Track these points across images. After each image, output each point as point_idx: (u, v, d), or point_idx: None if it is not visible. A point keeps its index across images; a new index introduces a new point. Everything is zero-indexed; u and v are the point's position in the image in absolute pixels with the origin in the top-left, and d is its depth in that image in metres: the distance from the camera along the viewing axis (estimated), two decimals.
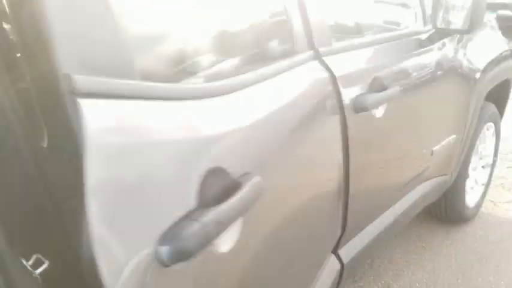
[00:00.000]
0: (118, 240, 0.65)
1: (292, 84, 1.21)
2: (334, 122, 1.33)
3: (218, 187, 0.81)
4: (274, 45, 1.28)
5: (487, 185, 2.87)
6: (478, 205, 2.80)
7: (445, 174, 2.25)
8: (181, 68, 0.99)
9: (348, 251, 1.60)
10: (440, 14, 1.90)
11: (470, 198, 2.68)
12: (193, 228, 0.71)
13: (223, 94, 0.93)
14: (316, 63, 1.31)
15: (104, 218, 0.63)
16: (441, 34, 1.93)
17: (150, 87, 0.75)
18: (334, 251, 1.56)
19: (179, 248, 0.69)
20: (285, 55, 1.24)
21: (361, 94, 1.42)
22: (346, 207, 1.48)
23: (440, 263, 2.40)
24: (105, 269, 0.61)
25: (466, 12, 1.85)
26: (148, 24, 0.93)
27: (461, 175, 2.46)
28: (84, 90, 0.62)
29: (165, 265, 0.70)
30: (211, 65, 1.07)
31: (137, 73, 0.73)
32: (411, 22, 1.93)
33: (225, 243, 0.84)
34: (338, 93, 1.34)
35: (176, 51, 1.00)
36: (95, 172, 0.61)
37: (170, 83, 0.88)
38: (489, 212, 2.88)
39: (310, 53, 1.31)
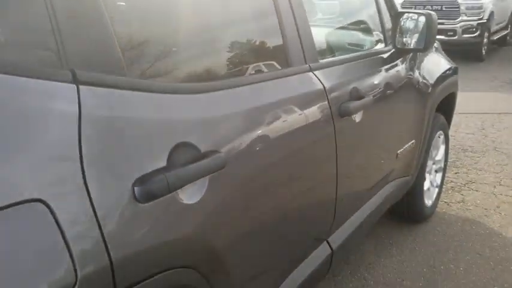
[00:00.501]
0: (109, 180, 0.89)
1: (289, 87, 1.47)
2: (327, 125, 1.60)
3: (186, 156, 1.04)
4: (276, 57, 1.53)
5: (441, 187, 3.24)
6: (434, 205, 3.15)
7: (407, 176, 2.57)
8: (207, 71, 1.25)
9: (336, 239, 1.85)
10: (398, 36, 2.25)
11: (427, 199, 3.03)
12: (158, 178, 0.96)
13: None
14: (309, 74, 1.58)
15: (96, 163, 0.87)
16: (400, 53, 2.27)
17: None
18: (326, 238, 1.81)
19: (147, 190, 0.94)
20: (284, 66, 1.50)
21: (345, 101, 1.70)
22: (336, 198, 1.74)
23: (407, 255, 2.70)
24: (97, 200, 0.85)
25: (420, 33, 2.21)
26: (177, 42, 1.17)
27: (420, 177, 2.80)
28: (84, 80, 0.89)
29: (139, 202, 0.93)
30: (227, 69, 1.33)
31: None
32: (375, 43, 2.26)
33: (189, 196, 1.06)
34: (328, 100, 1.61)
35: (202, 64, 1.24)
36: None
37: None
38: (443, 211, 3.24)
39: (305, 66, 1.58)
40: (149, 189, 0.95)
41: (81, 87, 0.89)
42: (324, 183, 1.66)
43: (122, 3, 1.08)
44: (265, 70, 1.46)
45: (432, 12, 2.16)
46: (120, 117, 0.95)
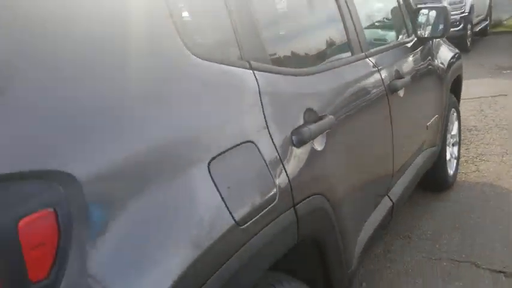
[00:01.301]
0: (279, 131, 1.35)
1: (354, 71, 1.94)
2: (383, 98, 2.07)
3: (311, 117, 1.50)
4: (346, 48, 2.00)
5: (458, 159, 3.72)
6: (455, 175, 3.63)
7: (435, 146, 3.05)
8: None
9: (394, 193, 2.30)
10: (416, 23, 2.74)
11: (449, 169, 3.50)
12: (304, 129, 1.41)
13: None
14: (367, 60, 2.05)
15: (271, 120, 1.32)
16: (421, 41, 2.76)
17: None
18: (387, 194, 2.26)
19: (299, 138, 1.39)
20: (347, 54, 1.98)
21: (392, 80, 2.17)
22: (393, 159, 2.20)
23: (441, 216, 3.17)
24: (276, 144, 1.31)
25: (434, 24, 2.70)
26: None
27: (443, 149, 3.27)
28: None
29: (295, 146, 1.38)
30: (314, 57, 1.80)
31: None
32: (401, 35, 2.75)
33: (317, 144, 1.52)
34: (382, 79, 2.08)
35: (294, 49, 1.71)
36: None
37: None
38: (463, 180, 3.72)
39: (362, 54, 2.05)
40: (301, 138, 1.40)
41: (255, 72, 1.33)
42: (386, 146, 2.13)
43: (267, 18, 1.54)
44: (341, 57, 1.92)
45: (446, 5, 2.67)
46: (278, 90, 1.40)
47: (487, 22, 11.89)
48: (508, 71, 7.73)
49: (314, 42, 1.85)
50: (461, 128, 4.79)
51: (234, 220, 1.12)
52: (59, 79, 0.90)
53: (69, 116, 0.90)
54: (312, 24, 1.90)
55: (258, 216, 1.19)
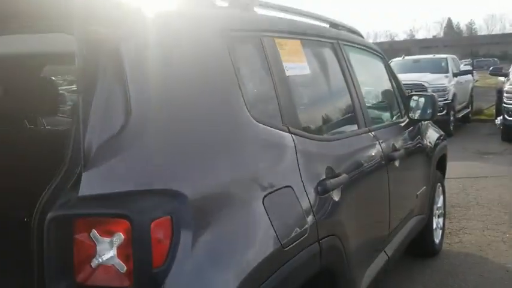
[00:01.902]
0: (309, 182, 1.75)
1: (360, 141, 2.40)
2: (383, 166, 2.52)
3: (330, 174, 1.92)
4: (354, 123, 2.47)
5: (443, 230, 4.13)
6: (440, 243, 4.02)
7: (423, 214, 3.46)
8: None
9: (389, 249, 2.68)
10: (409, 107, 3.25)
11: (436, 237, 3.89)
12: (327, 182, 1.83)
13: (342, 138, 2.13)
14: (370, 134, 2.52)
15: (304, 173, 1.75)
16: (412, 122, 3.27)
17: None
18: (383, 249, 2.64)
19: (323, 188, 1.81)
20: (355, 127, 2.45)
21: (390, 152, 2.63)
22: (389, 219, 2.61)
23: (428, 279, 3.51)
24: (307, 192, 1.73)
25: (423, 108, 3.22)
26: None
27: (430, 218, 3.69)
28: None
29: (320, 194, 1.79)
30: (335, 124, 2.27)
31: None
32: (397, 115, 3.26)
33: (335, 195, 1.93)
34: (382, 150, 2.54)
35: (317, 121, 2.17)
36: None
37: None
38: (448, 249, 4.11)
39: (366, 129, 2.52)
40: (324, 188, 1.81)
41: (292, 135, 1.77)
42: (384, 206, 2.55)
43: (298, 97, 2.01)
44: (350, 129, 2.39)
45: (434, 94, 3.21)
46: (308, 150, 1.84)
47: (468, 110, 12.80)
48: (488, 156, 8.36)
49: (331, 116, 2.34)
50: (446, 204, 5.24)
51: (280, 243, 1.50)
52: (179, 133, 1.34)
53: (180, 158, 1.32)
54: (329, 102, 2.40)
55: (295, 243, 1.58)
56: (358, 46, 2.88)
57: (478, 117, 13.46)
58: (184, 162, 1.33)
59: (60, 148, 1.35)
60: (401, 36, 76.56)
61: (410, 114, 3.24)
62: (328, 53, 2.40)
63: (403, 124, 3.20)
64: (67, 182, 1.23)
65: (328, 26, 2.69)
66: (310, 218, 1.70)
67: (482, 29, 76.22)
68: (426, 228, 3.65)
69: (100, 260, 1.20)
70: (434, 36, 74.35)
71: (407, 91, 3.61)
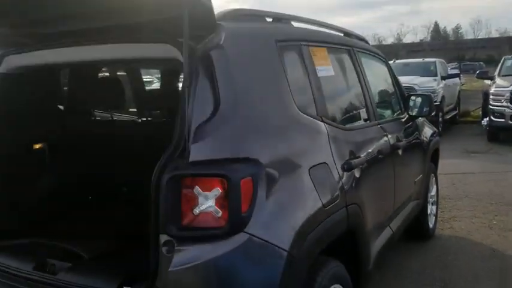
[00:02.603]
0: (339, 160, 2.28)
1: (373, 132, 2.91)
2: (390, 153, 3.03)
3: (351, 156, 2.43)
4: (366, 117, 2.97)
5: (436, 216, 4.66)
6: (434, 228, 4.56)
7: (419, 199, 3.98)
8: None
9: (393, 225, 3.19)
10: (408, 105, 3.77)
11: (430, 222, 4.42)
12: (351, 162, 2.36)
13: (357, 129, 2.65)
14: (379, 126, 3.03)
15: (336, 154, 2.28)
16: (411, 118, 3.79)
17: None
18: (389, 225, 3.15)
19: (348, 166, 2.32)
20: (368, 121, 2.95)
21: (395, 142, 3.15)
22: (394, 196, 3.12)
23: (423, 258, 4.03)
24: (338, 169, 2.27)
25: (421, 106, 3.74)
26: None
27: (425, 204, 4.21)
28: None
29: (346, 171, 2.31)
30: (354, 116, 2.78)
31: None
32: (398, 112, 3.78)
33: (357, 172, 2.43)
34: (389, 141, 3.05)
35: (340, 114, 2.67)
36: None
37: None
38: (440, 234, 4.65)
39: (375, 122, 3.03)
40: (349, 166, 2.31)
41: (325, 124, 2.27)
42: (390, 186, 3.05)
43: (328, 94, 2.51)
44: (365, 122, 2.90)
45: (430, 94, 3.74)
46: (337, 136, 2.34)
47: (456, 111, 13.46)
48: (475, 155, 8.97)
49: (349, 110, 2.86)
50: (438, 194, 5.78)
51: (322, 204, 2.00)
52: (252, 119, 1.84)
53: (255, 136, 1.82)
54: (348, 99, 2.91)
55: (331, 206, 2.08)
56: (367, 52, 3.40)
57: (465, 118, 14.13)
58: (258, 140, 1.82)
59: (154, 133, 1.84)
60: (389, 40, 77.75)
61: (409, 112, 3.77)
62: (345, 58, 2.92)
63: (403, 120, 3.72)
64: (175, 153, 1.71)
65: (342, 35, 3.20)
66: (340, 188, 2.20)
67: (468, 33, 77.81)
68: (422, 213, 4.17)
69: (201, 209, 1.68)
70: (421, 40, 75.70)
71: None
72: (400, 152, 3.23)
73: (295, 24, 2.52)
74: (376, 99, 3.30)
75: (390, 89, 3.79)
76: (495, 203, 5.61)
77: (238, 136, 1.77)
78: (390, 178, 3.07)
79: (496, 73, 11.56)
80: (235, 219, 1.67)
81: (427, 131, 4.30)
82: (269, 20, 2.34)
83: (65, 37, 2.15)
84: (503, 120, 9.83)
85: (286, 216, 1.82)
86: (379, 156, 2.84)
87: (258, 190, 1.72)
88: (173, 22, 1.72)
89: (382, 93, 3.69)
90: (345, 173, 2.29)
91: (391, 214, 3.16)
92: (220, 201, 1.67)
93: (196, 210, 1.68)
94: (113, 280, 1.88)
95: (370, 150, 2.71)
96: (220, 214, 1.67)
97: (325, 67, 2.52)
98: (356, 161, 2.40)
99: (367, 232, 2.54)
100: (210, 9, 1.74)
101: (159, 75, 3.85)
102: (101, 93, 3.01)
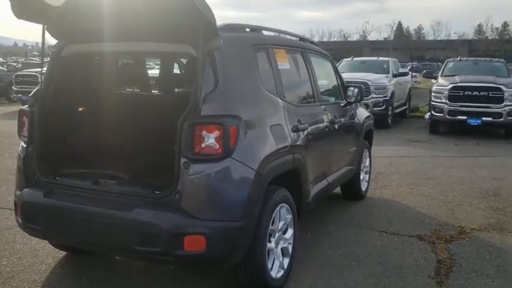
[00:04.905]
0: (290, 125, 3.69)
1: (316, 110, 4.21)
2: (328, 127, 4.33)
3: (298, 124, 3.76)
4: (311, 98, 4.26)
5: (369, 182, 6.04)
6: (366, 191, 5.96)
7: (353, 166, 5.32)
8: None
9: (329, 179, 4.51)
10: (347, 94, 5.09)
11: (362, 186, 5.79)
12: (298, 126, 3.91)
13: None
14: (321, 107, 4.33)
15: (288, 122, 3.67)
16: (349, 103, 5.11)
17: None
18: (326, 178, 4.45)
19: (296, 129, 3.72)
20: (314, 102, 4.25)
21: (333, 119, 4.45)
22: (330, 159, 4.44)
23: (358, 211, 5.38)
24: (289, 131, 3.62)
25: (357, 94, 5.07)
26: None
27: (358, 171, 5.56)
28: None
29: (294, 132, 3.77)
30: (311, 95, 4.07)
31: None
32: (338, 97, 5.09)
33: (302, 134, 3.85)
34: (328, 118, 4.35)
35: (294, 95, 3.95)
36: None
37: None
38: (371, 197, 6.04)
39: (319, 103, 4.33)
40: (296, 129, 3.62)
41: (282, 100, 3.54)
42: (327, 150, 4.36)
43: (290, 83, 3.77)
44: (311, 102, 4.18)
45: (362, 85, 5.08)
46: (289, 109, 3.62)
47: (406, 107, 15.08)
48: (415, 143, 10.52)
49: (300, 94, 4.15)
50: (374, 172, 7.16)
51: (277, 148, 3.27)
52: (238, 92, 3.09)
53: (239, 103, 3.07)
54: (299, 86, 4.19)
55: (283, 150, 3.36)
56: (316, 52, 4.69)
57: (414, 113, 15.81)
58: (240, 105, 3.07)
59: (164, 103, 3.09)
60: (354, 37, 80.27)
61: (347, 98, 5.08)
62: (299, 57, 4.20)
63: (342, 104, 5.05)
64: (192, 110, 2.91)
65: (298, 39, 4.47)
66: (289, 141, 3.47)
67: (429, 34, 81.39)
68: (355, 177, 5.53)
69: (206, 143, 2.90)
70: (385, 39, 78.61)
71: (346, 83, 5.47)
72: (336, 126, 4.53)
73: (265, 32, 3.78)
74: (321, 87, 4.59)
75: (333, 80, 5.11)
76: (419, 178, 7.09)
77: (229, 102, 3.02)
78: (327, 144, 4.37)
79: (440, 73, 13.20)
80: (226, 150, 2.90)
81: (362, 115, 5.65)
82: (248, 30, 3.59)
83: (110, 36, 3.32)
84: (442, 115, 11.44)
85: (255, 151, 3.08)
86: (319, 126, 4.13)
87: (240, 134, 2.96)
88: (190, 31, 2.94)
89: (326, 84, 4.99)
90: (293, 133, 3.56)
91: (327, 169, 4.46)
92: (218, 139, 2.90)
93: (203, 144, 2.90)
94: (147, 188, 3.08)
95: (312, 121, 3.99)
96: (217, 147, 2.90)
97: (284, 63, 3.78)
98: (301, 126, 3.68)
99: (307, 174, 3.82)
100: (214, 24, 2.95)
101: (160, 62, 5.07)
102: (128, 75, 4.24)
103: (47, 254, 4.05)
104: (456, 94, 11.25)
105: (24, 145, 3.48)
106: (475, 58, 15.11)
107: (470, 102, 11.09)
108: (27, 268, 3.79)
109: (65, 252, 4.06)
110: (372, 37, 79.83)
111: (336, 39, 77.49)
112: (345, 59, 15.29)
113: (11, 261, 3.91)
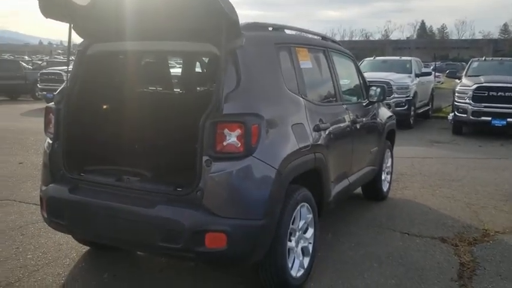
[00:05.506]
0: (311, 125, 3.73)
1: (338, 109, 4.19)
2: (350, 126, 4.31)
3: (321, 124, 3.73)
4: (334, 97, 4.24)
5: (390, 183, 5.98)
6: (387, 192, 5.89)
7: (375, 166, 5.28)
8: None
9: (351, 179, 4.48)
10: (369, 93, 5.05)
11: (384, 187, 5.73)
12: (320, 125, 3.72)
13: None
14: (343, 106, 4.31)
15: (309, 121, 3.77)
16: (371, 103, 5.07)
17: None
18: (347, 178, 4.43)
19: (317, 128, 3.65)
20: (336, 101, 4.23)
21: (355, 119, 4.43)
22: (352, 160, 4.41)
23: (380, 211, 5.34)
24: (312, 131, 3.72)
25: (380, 94, 5.02)
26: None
27: (380, 171, 5.51)
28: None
29: (315, 131, 3.63)
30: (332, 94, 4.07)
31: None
32: (360, 97, 5.05)
33: (323, 133, 3.84)
34: (350, 118, 4.33)
35: (316, 95, 3.94)
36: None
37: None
38: (392, 197, 5.98)
39: (341, 103, 4.31)
40: (318, 128, 3.60)
41: (303, 99, 3.53)
42: (349, 149, 4.33)
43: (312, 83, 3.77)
44: (333, 102, 4.16)
45: (384, 85, 5.03)
46: (310, 108, 3.60)
47: (428, 107, 14.87)
48: (438, 144, 10.37)
49: (322, 93, 4.13)
50: (396, 173, 7.09)
51: (299, 147, 3.26)
52: (260, 91, 3.10)
53: (262, 101, 3.08)
54: (321, 85, 4.19)
55: (304, 150, 3.35)
56: (338, 51, 4.67)
57: (437, 114, 15.58)
58: (262, 104, 3.08)
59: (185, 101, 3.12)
60: (376, 36, 79.59)
61: (369, 98, 5.05)
62: (321, 56, 4.19)
63: (364, 104, 5.01)
64: (214, 108, 2.93)
65: (320, 38, 4.45)
66: (310, 140, 3.46)
67: (453, 34, 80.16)
68: (377, 177, 5.47)
69: (228, 142, 2.91)
70: (407, 38, 77.70)
71: (369, 83, 5.43)
72: (358, 126, 4.50)
73: (287, 31, 3.78)
74: (343, 86, 4.57)
75: (355, 80, 5.08)
76: (441, 179, 6.99)
77: (251, 101, 3.02)
78: (349, 143, 4.35)
79: (464, 73, 12.99)
80: (248, 148, 2.91)
81: (385, 115, 5.60)
82: (270, 29, 3.59)
83: (134, 35, 3.35)
84: (465, 115, 11.26)
85: (277, 149, 3.08)
86: (341, 125, 4.11)
87: (261, 132, 2.97)
88: (213, 30, 2.96)
89: (348, 83, 4.97)
90: (314, 132, 3.55)
91: (349, 169, 4.44)
92: (239, 138, 2.91)
93: (225, 143, 2.92)
94: (169, 185, 3.11)
95: (333, 120, 3.97)
96: (239, 145, 2.91)
97: (306, 61, 3.77)
98: (323, 125, 3.67)
99: (329, 174, 3.80)
100: (237, 23, 2.96)
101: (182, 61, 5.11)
102: (151, 73, 4.29)
103: (70, 249, 4.13)
104: (481, 94, 11.05)
105: (50, 141, 3.55)
106: (500, 58, 14.88)
107: (495, 103, 10.88)
108: (51, 262, 3.87)
109: (88, 247, 4.13)
110: (394, 36, 79.08)
111: (357, 39, 77.07)
112: (367, 58, 15.16)
113: (36, 255, 3.99)
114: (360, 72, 5.19)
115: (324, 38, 4.55)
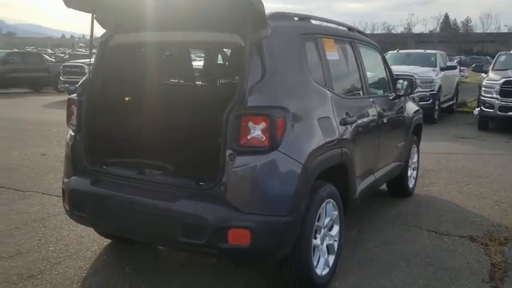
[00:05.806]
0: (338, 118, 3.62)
1: (365, 102, 4.06)
2: (377, 120, 4.17)
3: (347, 117, 3.60)
4: (360, 91, 4.11)
5: (416, 179, 5.82)
6: (413, 188, 5.73)
7: (401, 162, 5.13)
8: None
9: (377, 175, 4.34)
10: (396, 86, 4.90)
11: (410, 183, 5.58)
12: (346, 119, 3.60)
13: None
14: (370, 99, 4.17)
15: (336, 115, 3.69)
16: (398, 96, 4.92)
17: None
18: (373, 173, 4.29)
19: (344, 122, 3.53)
20: (362, 95, 4.10)
21: (382, 112, 4.28)
22: (378, 155, 4.27)
23: (406, 207, 5.19)
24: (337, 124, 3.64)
25: (407, 87, 4.87)
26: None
27: (406, 167, 5.36)
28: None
29: (342, 124, 3.50)
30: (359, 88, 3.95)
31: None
32: (387, 90, 4.90)
33: (350, 127, 3.71)
34: (377, 112, 4.19)
35: (342, 88, 3.81)
36: None
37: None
38: (418, 194, 5.82)
39: (367, 96, 4.17)
40: (344, 122, 3.48)
41: (330, 92, 3.42)
42: (375, 143, 4.20)
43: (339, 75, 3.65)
44: (360, 95, 4.03)
45: (412, 77, 4.85)
46: (337, 101, 3.49)
47: (453, 102, 14.54)
48: (463, 140, 10.11)
49: (348, 86, 4.01)
50: (421, 169, 6.92)
51: (325, 142, 3.15)
52: (286, 83, 3.00)
53: (287, 94, 2.98)
54: (348, 77, 4.06)
55: (331, 144, 3.23)
56: (365, 43, 4.52)
57: (462, 109, 15.24)
58: (288, 96, 2.97)
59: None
60: (398, 29, 78.44)
61: (396, 91, 4.89)
62: (348, 47, 4.06)
63: (391, 97, 4.85)
64: (238, 101, 2.83)
65: (347, 29, 4.31)
66: (337, 134, 3.34)
67: (477, 27, 78.50)
68: (403, 173, 5.32)
69: (252, 135, 2.81)
70: (430, 31, 76.34)
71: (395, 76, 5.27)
72: (385, 120, 4.36)
73: (313, 21, 3.65)
74: (370, 79, 4.43)
75: (382, 72, 4.93)
76: (468, 176, 6.79)
77: (276, 93, 2.92)
78: (375, 138, 4.21)
79: (491, 67, 12.63)
80: (273, 142, 2.81)
81: (411, 109, 5.44)
82: (296, 19, 3.47)
83: (156, 25, 3.28)
84: (492, 110, 10.95)
85: (302, 144, 2.98)
86: (367, 119, 3.99)
87: (287, 126, 2.86)
88: (237, 20, 2.86)
89: (375, 76, 4.82)
90: (340, 126, 3.43)
91: (375, 165, 4.31)
92: (264, 131, 2.81)
93: (249, 136, 2.82)
94: (192, 179, 3.03)
95: (360, 114, 3.85)
96: (264, 139, 2.81)
97: (333, 53, 3.65)
98: (349, 119, 3.55)
99: (355, 169, 3.68)
100: (263, 13, 2.86)
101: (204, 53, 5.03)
102: (173, 65, 4.22)
103: (92, 241, 4.10)
104: (508, 89, 10.71)
105: (73, 133, 3.51)
106: None
107: None
108: (73, 254, 3.85)
109: (110, 240, 4.10)
110: (416, 29, 77.81)
111: (379, 32, 76.02)
112: (390, 52, 14.87)
113: (58, 247, 3.98)
114: (386, 65, 5.03)
115: (350, 28, 4.41)
